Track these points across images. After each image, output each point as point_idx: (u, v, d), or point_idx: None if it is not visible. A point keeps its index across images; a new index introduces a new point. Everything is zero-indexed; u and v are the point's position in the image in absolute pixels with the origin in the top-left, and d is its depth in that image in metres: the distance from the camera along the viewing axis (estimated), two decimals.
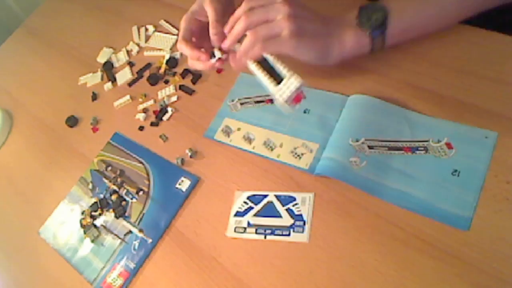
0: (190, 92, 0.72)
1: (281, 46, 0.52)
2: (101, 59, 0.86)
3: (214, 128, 0.66)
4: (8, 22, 1.45)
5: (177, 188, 0.63)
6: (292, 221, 0.53)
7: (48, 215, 0.70)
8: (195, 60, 0.58)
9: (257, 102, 0.63)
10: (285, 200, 0.55)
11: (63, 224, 0.68)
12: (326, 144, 0.56)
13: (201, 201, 0.61)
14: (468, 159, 0.49)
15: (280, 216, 0.54)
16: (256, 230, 0.55)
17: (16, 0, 1.52)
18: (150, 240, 0.60)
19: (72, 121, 0.79)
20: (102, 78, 0.83)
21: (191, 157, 0.65)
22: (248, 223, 0.55)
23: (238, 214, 0.57)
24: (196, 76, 0.73)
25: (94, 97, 0.81)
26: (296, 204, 0.54)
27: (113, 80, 0.81)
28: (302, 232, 0.52)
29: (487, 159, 0.49)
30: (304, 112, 0.61)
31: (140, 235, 0.61)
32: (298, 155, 0.57)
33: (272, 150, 0.60)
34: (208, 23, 0.57)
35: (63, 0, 1.05)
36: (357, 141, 0.54)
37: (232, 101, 0.59)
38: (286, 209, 0.54)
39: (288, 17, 0.51)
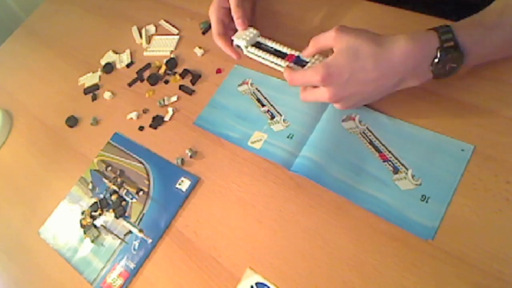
0: (190, 92, 0.72)
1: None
2: (104, 61, 0.85)
3: (203, 117, 0.68)
4: (8, 22, 1.45)
5: (177, 188, 0.63)
6: None
7: (48, 215, 0.70)
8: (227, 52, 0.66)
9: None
10: None
11: (63, 224, 0.68)
12: (306, 141, 0.57)
13: (201, 201, 0.61)
14: (439, 171, 0.50)
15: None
16: None
17: (16, 0, 1.52)
18: (150, 240, 0.60)
19: (72, 121, 0.79)
20: (99, 79, 0.83)
21: (191, 157, 0.65)
22: None
23: None
24: (196, 77, 0.73)
25: (94, 97, 0.81)
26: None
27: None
28: None
29: (459, 173, 0.49)
30: (287, 106, 0.63)
31: (140, 235, 0.61)
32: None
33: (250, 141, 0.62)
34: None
35: (63, 0, 1.05)
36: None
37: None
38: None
39: (333, 101, 0.53)
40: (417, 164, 0.51)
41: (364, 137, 0.55)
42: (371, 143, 0.54)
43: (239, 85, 0.68)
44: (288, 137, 0.59)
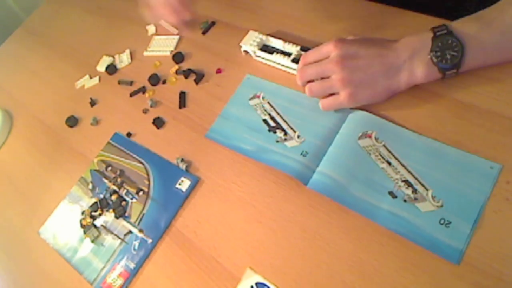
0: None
1: (341, 106, 0.55)
2: (101, 67, 0.84)
3: (215, 129, 0.66)
4: (8, 22, 1.45)
5: (177, 188, 0.63)
6: None
7: (48, 215, 0.70)
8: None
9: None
10: None
11: (63, 224, 0.68)
12: (323, 156, 0.56)
13: (201, 201, 0.61)
14: (467, 189, 0.48)
15: None
16: None
17: (16, 0, 1.52)
18: (150, 240, 0.60)
19: (72, 121, 0.79)
20: (100, 80, 0.83)
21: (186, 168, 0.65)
22: None
23: None
24: (200, 76, 0.73)
25: (93, 103, 0.80)
26: None
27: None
28: None
29: (487, 191, 0.47)
30: (301, 118, 0.61)
31: (140, 235, 0.61)
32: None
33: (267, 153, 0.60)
34: None
35: (63, 0, 1.05)
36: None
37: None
38: None
39: (342, 80, 0.52)
40: (438, 183, 0.49)
41: (381, 157, 0.53)
42: (388, 162, 0.52)
43: (251, 99, 0.66)
44: (301, 154, 0.57)
